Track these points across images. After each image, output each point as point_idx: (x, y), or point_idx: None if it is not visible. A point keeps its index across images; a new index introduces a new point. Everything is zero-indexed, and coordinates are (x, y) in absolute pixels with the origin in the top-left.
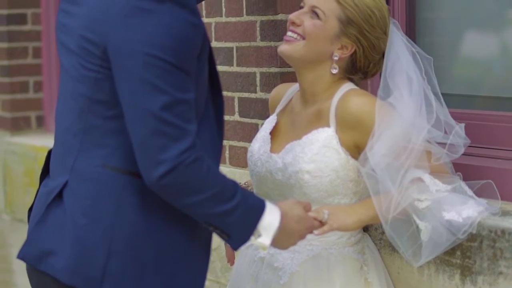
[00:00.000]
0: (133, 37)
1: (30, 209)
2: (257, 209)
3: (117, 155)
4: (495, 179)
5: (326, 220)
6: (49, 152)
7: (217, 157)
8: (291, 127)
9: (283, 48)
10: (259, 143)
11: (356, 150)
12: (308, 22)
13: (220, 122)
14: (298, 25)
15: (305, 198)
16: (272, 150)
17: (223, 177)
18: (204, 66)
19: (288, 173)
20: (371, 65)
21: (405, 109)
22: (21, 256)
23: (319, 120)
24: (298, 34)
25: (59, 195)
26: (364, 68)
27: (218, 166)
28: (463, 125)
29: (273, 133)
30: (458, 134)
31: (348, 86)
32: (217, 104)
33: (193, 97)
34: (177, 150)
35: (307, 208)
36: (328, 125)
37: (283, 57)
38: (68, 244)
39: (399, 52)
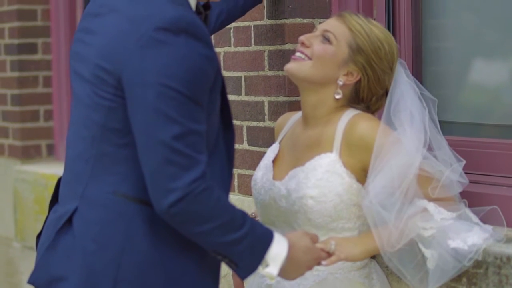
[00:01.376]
0: (148, 67)
1: (38, 236)
2: (265, 239)
3: (127, 182)
4: (501, 206)
5: (334, 250)
6: (59, 180)
7: (227, 189)
8: (292, 151)
9: (290, 66)
10: (262, 171)
11: (363, 173)
12: (318, 45)
13: (230, 155)
14: (307, 47)
15: (309, 223)
16: (275, 178)
17: (233, 207)
18: (216, 99)
19: (292, 200)
20: (374, 98)
21: (408, 142)
22: (31, 281)
23: (320, 145)
24: (306, 55)
25: (69, 221)
26: (366, 100)
27: (227, 197)
28: (462, 163)
29: (275, 160)
30: (455, 171)
31: (352, 111)
32: (227, 136)
33: (204, 129)
34: (188, 179)
35: (314, 239)
36: (330, 150)
37: (289, 75)
38: (77, 269)
39: (404, 91)
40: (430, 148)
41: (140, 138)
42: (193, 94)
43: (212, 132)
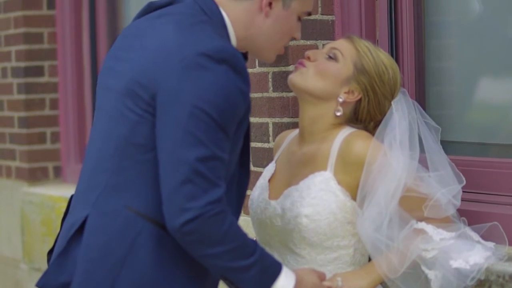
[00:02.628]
0: (186, 87)
1: (50, 253)
2: (273, 270)
3: (140, 199)
4: (505, 224)
5: (341, 286)
6: (71, 197)
7: None
8: (287, 169)
9: (292, 76)
10: (258, 191)
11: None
12: (322, 61)
13: (240, 199)
14: (312, 61)
15: (304, 242)
16: (270, 197)
17: (244, 234)
18: (239, 138)
19: (287, 219)
20: (372, 123)
21: (397, 163)
22: (40, 284)
23: (314, 163)
24: (307, 67)
25: (80, 229)
26: (365, 123)
27: None
28: (460, 185)
29: (271, 179)
30: (449, 192)
31: (349, 129)
32: (242, 180)
33: (227, 158)
34: (204, 200)
35: (322, 277)
36: (324, 169)
37: (291, 85)
38: (78, 276)
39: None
40: (434, 168)
41: (164, 155)
42: (223, 122)
43: (228, 171)
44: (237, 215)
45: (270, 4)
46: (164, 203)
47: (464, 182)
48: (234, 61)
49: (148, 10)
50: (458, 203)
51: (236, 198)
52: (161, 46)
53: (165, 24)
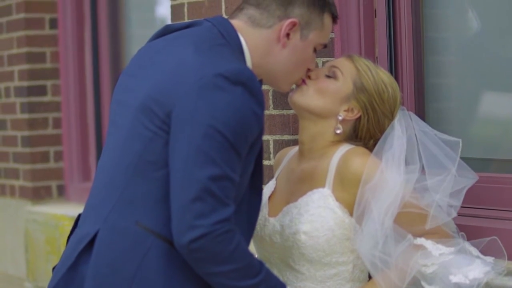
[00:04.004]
0: (202, 107)
1: (54, 269)
2: None
3: (150, 216)
4: (506, 240)
5: None
6: (79, 216)
7: None
8: (286, 186)
9: (293, 94)
10: None
11: None
12: (322, 79)
13: (251, 220)
14: (312, 79)
15: (303, 258)
16: (270, 214)
17: (251, 254)
18: (251, 160)
19: (285, 235)
20: (372, 141)
21: (393, 179)
22: None
23: (313, 179)
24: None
25: (90, 244)
26: (364, 141)
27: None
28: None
29: (271, 197)
30: (446, 196)
31: (346, 146)
32: (253, 202)
33: (238, 180)
34: (213, 219)
35: None
36: (323, 185)
37: (291, 104)
38: None
39: (395, 128)
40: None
41: (176, 172)
42: (236, 143)
43: (238, 193)
44: (248, 236)
45: (288, 34)
46: (173, 219)
47: (477, 178)
48: (250, 84)
49: (165, 32)
50: (458, 203)
51: (247, 220)
52: (179, 65)
53: (183, 44)
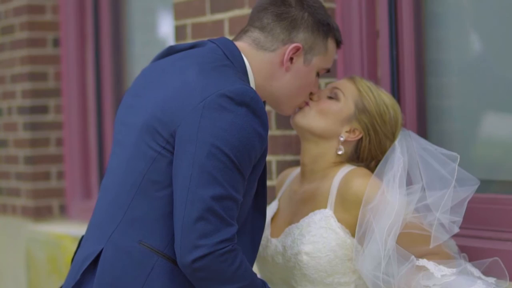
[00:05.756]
0: (206, 126)
1: None
2: None
3: (154, 235)
4: (508, 261)
5: None
6: (82, 237)
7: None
8: (288, 207)
9: (295, 115)
10: None
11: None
12: (324, 100)
13: (255, 242)
14: (315, 101)
15: (305, 279)
16: (272, 235)
17: (254, 274)
18: (254, 181)
19: (287, 256)
20: (373, 162)
21: (394, 200)
22: None
23: (315, 200)
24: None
25: (94, 262)
26: (366, 162)
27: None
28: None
29: (273, 218)
30: (446, 212)
31: (348, 167)
32: (256, 224)
33: (241, 200)
34: (217, 238)
35: None
36: (324, 206)
37: (293, 125)
38: None
39: (396, 148)
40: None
41: (180, 192)
42: (240, 164)
43: (241, 214)
44: (252, 257)
45: (291, 59)
46: (176, 238)
47: (478, 183)
48: (254, 104)
49: (169, 52)
50: (459, 218)
51: (251, 241)
52: (183, 85)
53: (187, 65)
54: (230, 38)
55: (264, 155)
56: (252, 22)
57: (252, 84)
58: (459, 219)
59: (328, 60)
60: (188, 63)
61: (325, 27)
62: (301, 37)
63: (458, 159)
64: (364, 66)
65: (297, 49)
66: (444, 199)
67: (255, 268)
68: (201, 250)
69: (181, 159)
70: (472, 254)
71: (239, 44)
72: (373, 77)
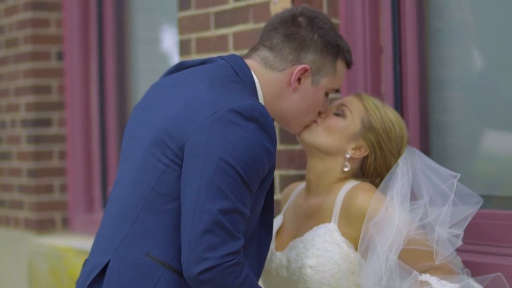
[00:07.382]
0: (214, 141)
1: None
2: None
3: (160, 247)
4: (508, 276)
5: None
6: (85, 261)
7: None
8: (293, 221)
9: (302, 132)
10: None
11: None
12: (331, 117)
13: (260, 257)
14: (323, 117)
15: None
16: (277, 248)
17: (259, 287)
18: (261, 196)
19: (292, 269)
20: (378, 179)
21: (397, 216)
22: None
23: (319, 215)
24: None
25: (101, 273)
26: (371, 178)
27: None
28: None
29: (278, 231)
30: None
31: (352, 182)
32: (263, 239)
33: (248, 214)
34: (223, 251)
35: None
36: (329, 221)
37: (299, 141)
38: None
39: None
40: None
41: (187, 205)
42: (248, 178)
43: (248, 228)
44: (258, 272)
45: (299, 79)
46: (183, 251)
47: (481, 201)
48: (263, 120)
49: (179, 68)
50: (460, 231)
51: (257, 256)
52: (193, 99)
53: (197, 80)
54: (235, 53)
55: (272, 170)
56: (262, 40)
57: (261, 102)
58: (460, 232)
59: (337, 81)
60: (198, 78)
61: (335, 49)
62: (310, 59)
63: (458, 177)
64: (368, 81)
65: (305, 70)
66: (442, 214)
67: (260, 282)
68: (208, 263)
69: (189, 172)
70: (474, 269)
71: (249, 62)
72: (376, 92)
